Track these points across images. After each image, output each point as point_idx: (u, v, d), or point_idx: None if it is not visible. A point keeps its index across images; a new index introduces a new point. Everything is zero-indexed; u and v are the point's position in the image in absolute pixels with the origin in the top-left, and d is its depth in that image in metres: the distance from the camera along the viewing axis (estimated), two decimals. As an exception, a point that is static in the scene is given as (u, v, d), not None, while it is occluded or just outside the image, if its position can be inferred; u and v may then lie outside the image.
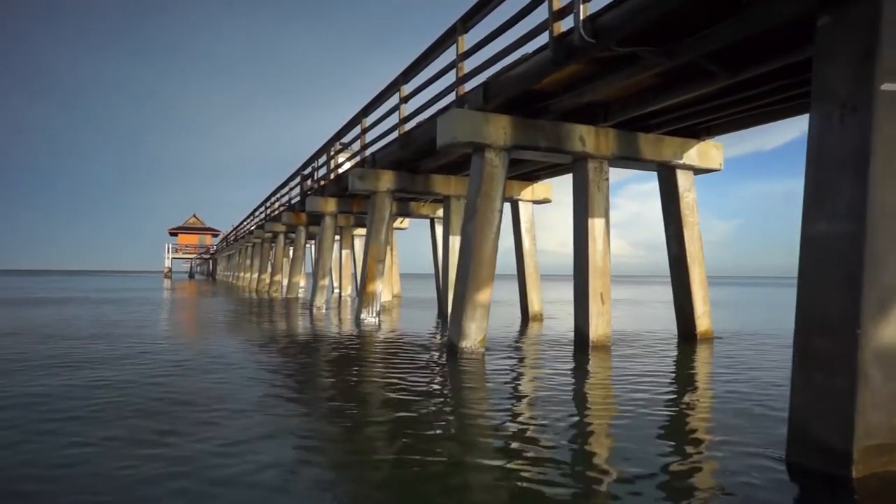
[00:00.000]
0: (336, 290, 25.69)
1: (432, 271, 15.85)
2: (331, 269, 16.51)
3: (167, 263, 64.40)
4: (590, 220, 8.17)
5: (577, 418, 4.62)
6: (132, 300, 19.61)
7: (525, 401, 5.28)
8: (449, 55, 8.28)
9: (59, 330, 10.07)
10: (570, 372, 6.67)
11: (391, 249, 27.46)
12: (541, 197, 13.30)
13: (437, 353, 7.84)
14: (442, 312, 12.53)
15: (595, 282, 8.16)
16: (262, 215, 28.52)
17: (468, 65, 7.88)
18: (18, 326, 10.75)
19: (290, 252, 29.40)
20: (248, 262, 37.79)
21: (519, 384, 6.11)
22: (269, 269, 34.18)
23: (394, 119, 10.51)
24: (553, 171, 12.46)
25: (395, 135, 10.76)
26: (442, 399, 5.32)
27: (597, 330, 8.12)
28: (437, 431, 4.14)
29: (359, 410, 4.74)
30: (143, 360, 6.96)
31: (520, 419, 4.57)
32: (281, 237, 24.79)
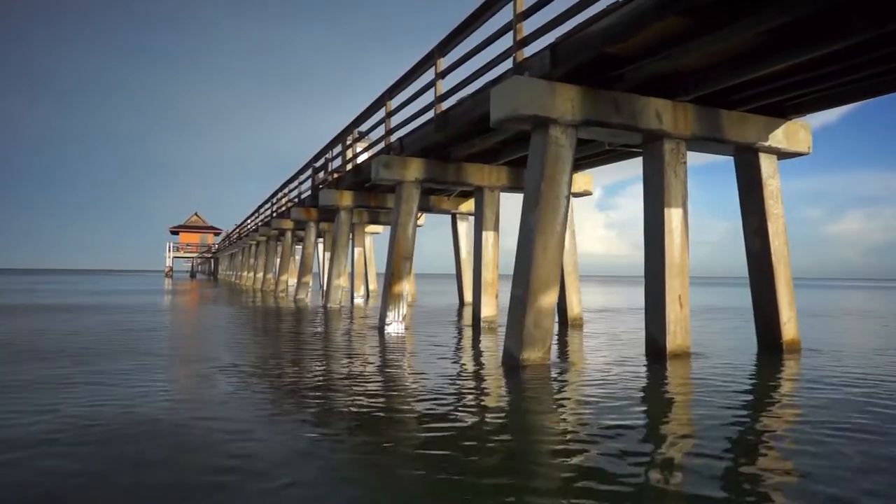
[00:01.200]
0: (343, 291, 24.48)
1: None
2: (346, 268, 15.28)
3: (168, 263, 63.20)
4: (666, 211, 6.97)
5: (722, 457, 3.42)
6: (120, 311, 18.43)
7: (638, 434, 4.08)
8: (502, 17, 7.10)
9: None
10: (664, 391, 5.48)
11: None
12: (581, 189, 12.11)
13: (491, 368, 6.63)
14: (475, 316, 11.34)
15: (672, 282, 6.96)
16: (268, 212, 27.32)
17: (528, 26, 6.69)
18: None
19: (294, 250, 28.19)
20: (253, 261, 36.61)
21: (612, 408, 4.92)
22: (276, 269, 33.04)
23: (427, 98, 9.34)
24: (595, 159, 11.28)
25: (427, 116, 9.58)
26: (532, 436, 4.12)
27: (674, 339, 6.92)
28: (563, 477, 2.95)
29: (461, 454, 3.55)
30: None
31: (662, 458, 3.37)
32: (289, 234, 23.60)
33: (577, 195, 12.21)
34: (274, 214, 25.26)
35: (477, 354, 7.81)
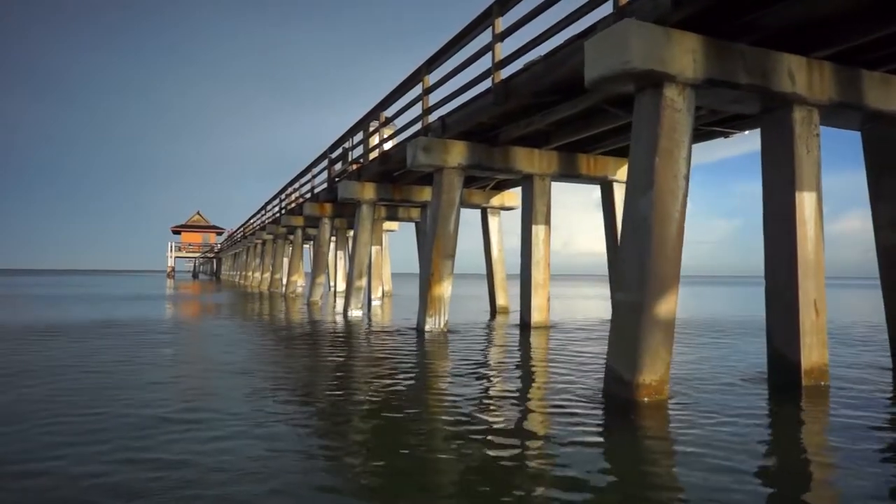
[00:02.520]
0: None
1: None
2: (367, 268, 13.87)
3: (170, 263, 61.81)
4: (798, 197, 5.57)
5: None
6: (122, 333, 17.04)
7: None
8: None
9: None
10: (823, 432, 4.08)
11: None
12: (639, 177, 10.69)
13: (589, 395, 5.23)
14: (524, 323, 9.95)
15: (807, 284, 5.56)
16: (277, 209, 25.93)
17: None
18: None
19: (295, 250, 26.81)
20: (258, 260, 35.23)
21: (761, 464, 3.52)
22: (285, 269, 31.67)
23: (479, 67, 7.95)
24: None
25: (477, 89, 8.20)
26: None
27: (810, 355, 5.52)
28: None
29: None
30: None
31: None
32: (299, 232, 22.20)
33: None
34: (283, 211, 23.87)
35: (555, 374, 6.42)
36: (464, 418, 4.39)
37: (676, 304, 5.03)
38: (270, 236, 28.29)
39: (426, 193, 13.98)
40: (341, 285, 24.25)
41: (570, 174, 10.09)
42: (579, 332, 10.01)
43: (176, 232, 68.92)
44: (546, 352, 7.78)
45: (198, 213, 71.55)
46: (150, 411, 4.38)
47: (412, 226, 20.37)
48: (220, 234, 68.04)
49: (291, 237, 26.83)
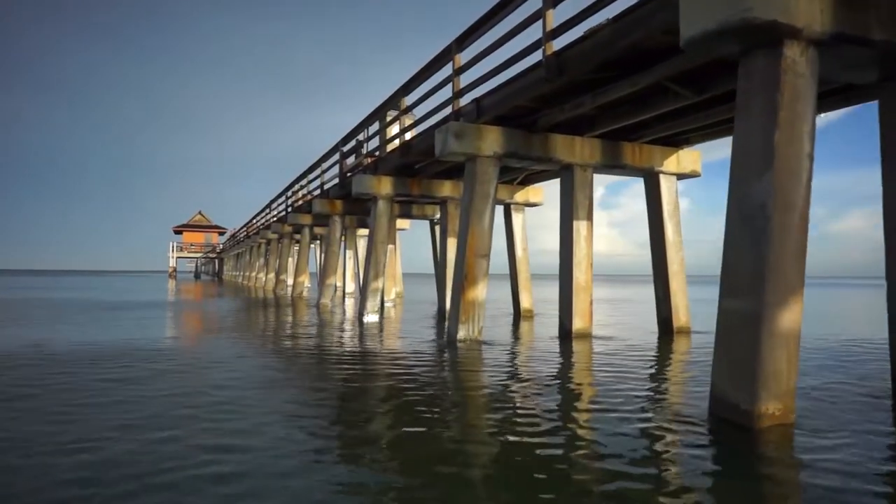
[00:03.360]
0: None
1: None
2: (384, 268, 12.90)
3: (172, 263, 60.91)
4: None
5: None
6: (114, 363, 16.04)
7: None
8: None
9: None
10: None
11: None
12: (688, 169, 9.74)
13: (687, 423, 4.26)
14: (563, 329, 8.97)
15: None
16: (283, 207, 24.98)
17: None
18: None
19: (302, 250, 25.91)
20: (262, 260, 34.30)
21: None
22: (291, 269, 30.72)
23: (522, 41, 6.98)
24: (710, 130, 8.93)
25: (518, 68, 7.23)
26: None
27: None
28: None
29: None
30: None
31: None
32: (307, 231, 21.25)
33: (683, 177, 9.86)
34: (289, 209, 22.91)
35: (641, 394, 5.44)
36: (578, 459, 3.42)
37: (802, 312, 4.05)
38: (276, 235, 27.35)
39: (447, 188, 13.02)
40: (350, 286, 23.29)
41: (613, 164, 9.12)
42: (627, 342, 9.05)
43: (178, 232, 68.02)
44: (614, 367, 6.80)
45: (199, 212, 70.65)
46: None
47: (419, 224, 19.42)
48: (222, 233, 67.15)
49: (298, 236, 25.90)
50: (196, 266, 71.76)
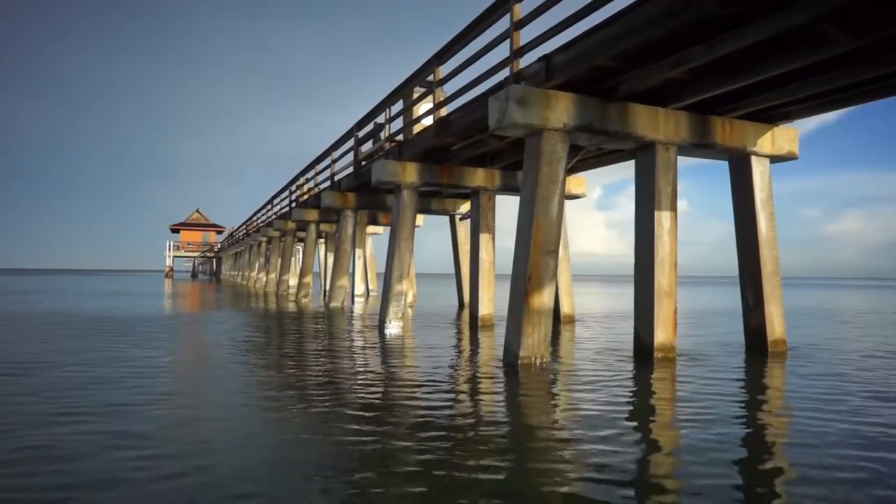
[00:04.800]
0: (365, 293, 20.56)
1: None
2: (409, 268, 11.23)
3: (168, 262, 59.13)
4: None
5: None
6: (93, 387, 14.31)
7: None
8: None
9: None
10: None
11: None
12: (784, 150, 8.11)
13: None
14: (640, 344, 7.30)
15: None
16: (286, 202, 23.32)
17: None
18: None
19: (308, 248, 24.27)
20: (263, 260, 32.62)
21: None
22: (295, 269, 29.07)
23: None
24: (831, 98, 7.30)
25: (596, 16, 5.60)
26: None
27: None
28: None
29: None
30: None
31: None
32: (312, 228, 19.60)
33: (777, 160, 8.23)
34: (293, 204, 21.25)
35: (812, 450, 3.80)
36: None
37: None
38: (277, 233, 25.68)
39: (479, 177, 11.37)
40: (359, 287, 21.63)
41: (700, 143, 7.48)
42: (728, 363, 7.43)
43: (174, 230, 66.31)
44: (695, 388, 5.17)
45: (197, 210, 68.95)
46: None
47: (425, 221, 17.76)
48: (220, 232, 65.44)
49: (302, 234, 24.24)
50: (193, 266, 70.03)
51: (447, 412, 4.57)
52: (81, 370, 6.13)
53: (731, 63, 6.14)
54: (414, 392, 5.26)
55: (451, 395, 5.23)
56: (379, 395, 5.09)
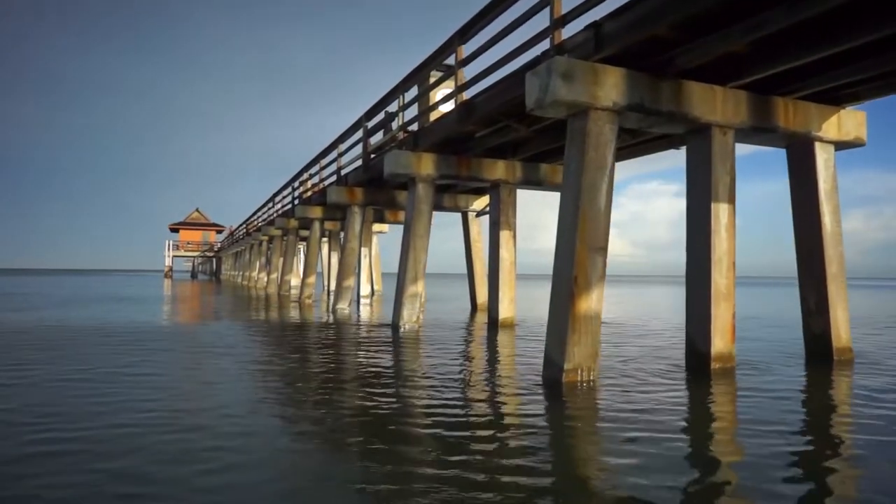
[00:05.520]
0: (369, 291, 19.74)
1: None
2: (424, 268, 10.39)
3: (167, 262, 58.25)
4: None
5: None
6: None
7: None
8: None
9: None
10: None
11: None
12: (850, 136, 7.27)
13: None
14: (693, 351, 6.44)
15: None
16: (288, 200, 22.48)
17: None
18: None
19: (311, 247, 23.50)
20: (263, 259, 31.78)
21: None
22: (298, 269, 28.26)
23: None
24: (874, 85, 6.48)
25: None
26: None
27: None
28: None
29: None
30: None
31: None
32: (316, 225, 18.76)
33: (843, 146, 7.39)
34: (296, 201, 20.42)
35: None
36: None
37: None
38: (279, 231, 24.84)
39: (499, 169, 10.54)
40: (365, 288, 20.82)
41: (761, 126, 6.64)
42: (783, 369, 6.61)
43: (174, 230, 65.45)
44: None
45: (197, 209, 68.13)
46: None
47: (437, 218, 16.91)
48: (220, 232, 64.59)
49: (304, 232, 23.42)
50: (193, 265, 69.21)
51: (489, 452, 3.74)
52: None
53: (809, 30, 5.32)
54: (448, 420, 4.42)
55: (491, 428, 4.39)
56: (406, 428, 4.26)
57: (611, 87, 5.78)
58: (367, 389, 5.32)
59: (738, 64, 6.13)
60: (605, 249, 5.89)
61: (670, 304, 21.00)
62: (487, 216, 15.37)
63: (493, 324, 10.65)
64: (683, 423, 4.39)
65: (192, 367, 6.63)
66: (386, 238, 26.11)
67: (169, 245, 59.09)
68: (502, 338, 9.26)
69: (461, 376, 6.09)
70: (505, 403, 4.94)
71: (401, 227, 21.20)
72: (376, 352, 7.71)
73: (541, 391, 5.35)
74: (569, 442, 3.95)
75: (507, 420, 4.40)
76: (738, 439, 3.99)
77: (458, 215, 15.74)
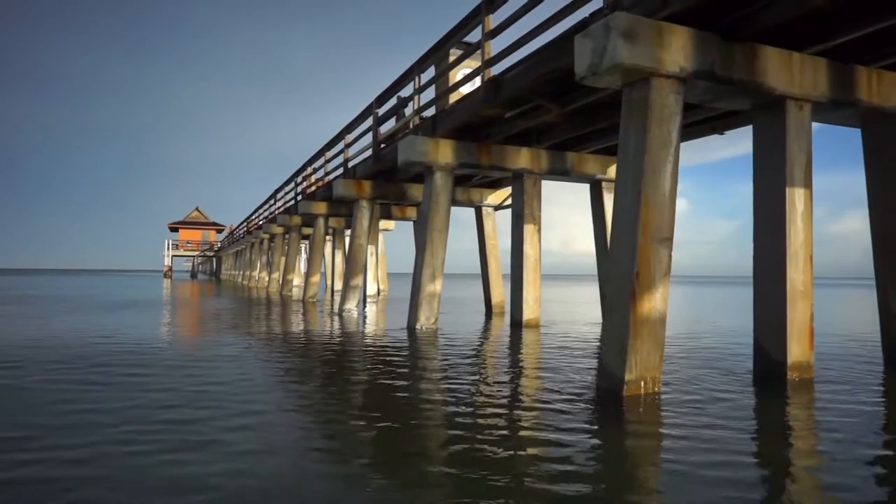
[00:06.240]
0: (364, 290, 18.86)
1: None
2: (443, 264, 9.52)
3: (167, 262, 57.40)
4: None
5: None
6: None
7: None
8: None
9: None
10: None
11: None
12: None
13: None
14: (768, 365, 5.55)
15: None
16: (290, 196, 21.63)
17: None
18: None
19: (316, 244, 22.74)
20: (265, 258, 30.94)
21: None
22: (299, 268, 27.45)
23: None
24: None
25: None
26: None
27: None
28: None
29: None
30: None
31: None
32: (321, 222, 17.89)
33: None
34: (299, 197, 19.55)
35: None
36: None
37: None
38: (281, 229, 24.00)
39: (523, 157, 9.67)
40: (371, 287, 19.95)
41: (841, 99, 5.77)
42: (864, 380, 5.74)
43: (173, 229, 64.63)
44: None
45: (196, 208, 67.33)
46: None
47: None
48: (220, 231, 63.75)
49: (307, 230, 22.57)
50: (193, 265, 68.41)
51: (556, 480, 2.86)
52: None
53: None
54: (508, 443, 3.55)
55: (552, 447, 3.52)
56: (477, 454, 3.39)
57: (678, 49, 4.91)
58: (420, 411, 4.45)
59: (819, 24, 5.27)
60: (670, 241, 5.02)
61: (698, 305, 20.14)
62: (501, 211, 14.52)
63: (517, 326, 9.78)
64: (775, 449, 3.52)
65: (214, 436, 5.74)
66: (390, 236, 25.21)
67: (168, 244, 58.23)
68: (530, 341, 8.38)
69: (503, 385, 5.21)
70: (559, 422, 4.06)
71: (408, 224, 20.38)
72: (403, 366, 6.84)
73: (599, 406, 4.49)
74: (644, 472, 3.08)
75: (567, 440, 3.52)
76: (840, 469, 3.12)
77: (468, 211, 14.87)
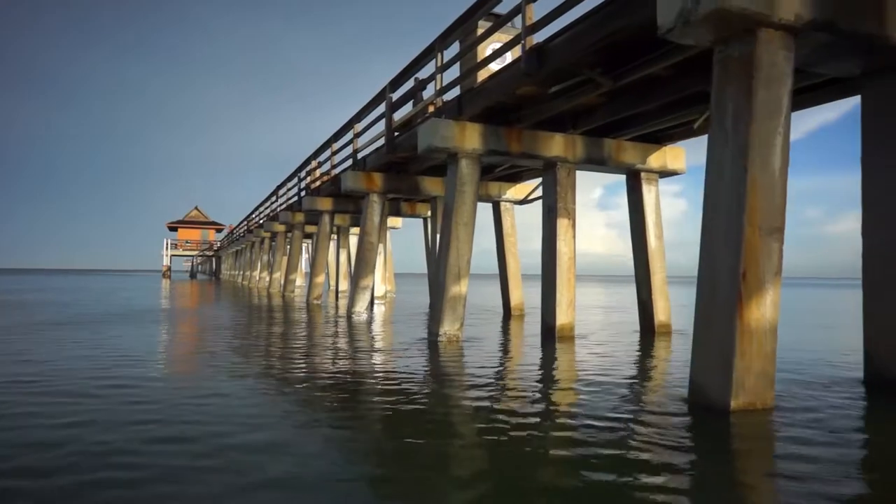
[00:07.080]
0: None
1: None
2: (469, 264, 8.50)
3: (166, 261, 56.35)
4: None
5: None
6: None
7: None
8: None
9: None
10: None
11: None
12: None
13: None
14: (885, 376, 4.56)
15: None
16: (293, 193, 20.63)
17: None
18: None
19: (320, 242, 21.66)
20: (265, 258, 29.94)
21: None
22: (302, 268, 26.40)
23: None
24: None
25: None
26: None
27: None
28: None
29: None
30: None
31: None
32: (326, 219, 16.89)
33: None
34: (303, 193, 18.54)
35: None
36: None
37: None
38: (283, 227, 22.98)
39: (557, 145, 8.66)
40: (379, 289, 18.94)
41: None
42: None
43: (172, 228, 63.59)
44: None
45: (196, 208, 66.31)
46: None
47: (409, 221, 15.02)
48: (219, 230, 62.73)
49: (310, 229, 21.55)
50: (192, 265, 67.37)
51: None
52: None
53: None
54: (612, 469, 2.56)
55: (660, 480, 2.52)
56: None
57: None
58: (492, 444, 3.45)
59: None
60: (782, 231, 4.01)
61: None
62: (527, 205, 13.51)
63: (549, 332, 8.77)
64: None
65: None
66: (397, 235, 24.22)
67: (167, 244, 57.18)
68: (566, 349, 7.37)
69: (577, 405, 4.22)
70: (653, 450, 3.06)
71: (418, 222, 19.37)
72: (446, 384, 5.83)
73: (699, 433, 3.50)
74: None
75: (668, 467, 2.53)
76: None
77: (486, 207, 13.86)
